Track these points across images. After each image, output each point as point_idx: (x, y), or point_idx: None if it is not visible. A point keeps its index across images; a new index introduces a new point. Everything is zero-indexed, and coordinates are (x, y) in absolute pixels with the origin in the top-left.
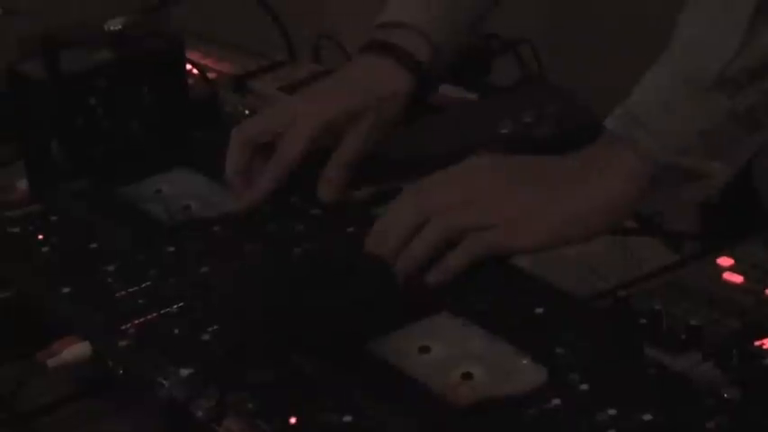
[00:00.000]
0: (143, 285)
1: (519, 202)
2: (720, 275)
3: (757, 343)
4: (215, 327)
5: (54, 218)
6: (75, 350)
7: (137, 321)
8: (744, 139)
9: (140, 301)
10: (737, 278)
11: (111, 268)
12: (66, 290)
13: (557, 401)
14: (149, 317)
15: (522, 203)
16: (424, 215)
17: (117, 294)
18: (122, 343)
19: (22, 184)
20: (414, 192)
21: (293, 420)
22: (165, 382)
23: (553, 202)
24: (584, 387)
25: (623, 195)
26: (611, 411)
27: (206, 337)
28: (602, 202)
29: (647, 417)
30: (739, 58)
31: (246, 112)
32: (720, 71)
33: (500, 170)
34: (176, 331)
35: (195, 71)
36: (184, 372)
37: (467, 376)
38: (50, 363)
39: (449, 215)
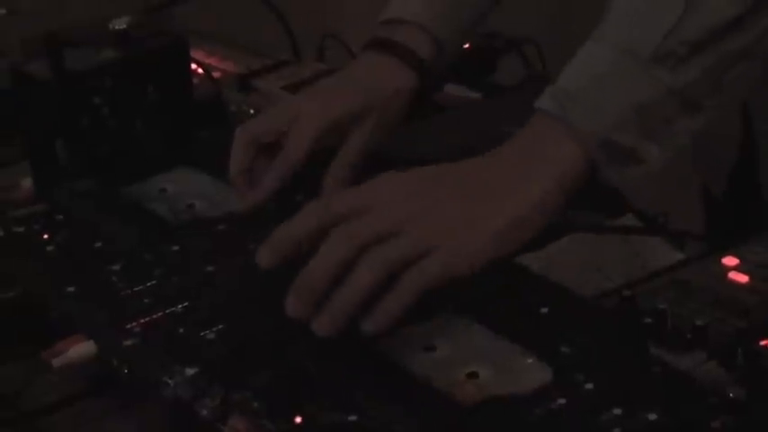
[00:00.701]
0: (148, 284)
1: (454, 219)
2: (725, 275)
3: (762, 342)
4: (220, 326)
5: (59, 217)
6: (80, 349)
7: (141, 320)
8: (682, 120)
9: (145, 301)
10: (743, 278)
11: (115, 267)
12: (70, 289)
13: (562, 401)
14: (154, 316)
15: (458, 219)
16: (353, 251)
17: (122, 293)
18: (127, 342)
19: (27, 184)
20: (339, 229)
21: (298, 420)
22: (169, 381)
23: (490, 211)
24: (590, 386)
25: (560, 183)
26: (617, 411)
27: (211, 336)
28: (540, 197)
29: (653, 416)
30: (679, 29)
31: (251, 111)
32: (659, 43)
33: (422, 186)
34: (181, 330)
35: (200, 70)
36: (189, 371)
37: (472, 375)
38: (55, 362)
39: (382, 249)
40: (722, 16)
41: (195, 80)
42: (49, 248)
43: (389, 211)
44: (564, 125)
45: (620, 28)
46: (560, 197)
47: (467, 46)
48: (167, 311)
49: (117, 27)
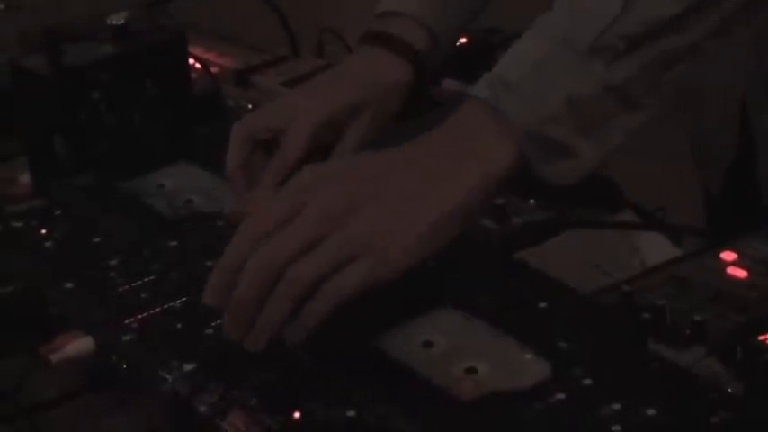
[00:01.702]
0: (146, 280)
1: (374, 224)
2: (724, 270)
3: (761, 337)
4: (218, 321)
5: (57, 212)
6: (79, 345)
7: (140, 316)
8: (617, 118)
9: (143, 296)
10: (741, 273)
11: (113, 263)
12: (69, 284)
13: (561, 396)
14: (152, 311)
15: (378, 224)
16: (275, 275)
17: (120, 289)
18: (125, 337)
19: (25, 179)
20: (258, 257)
21: (296, 415)
22: (168, 376)
23: (411, 214)
24: (588, 381)
25: (487, 179)
26: (616, 406)
27: (209, 331)
28: (463, 197)
29: (651, 411)
30: (618, 23)
31: (249, 106)
32: (596, 36)
33: (344, 189)
34: (179, 326)
35: (198, 66)
36: (188, 366)
37: (470, 371)
38: (54, 357)
39: (298, 269)
40: (661, 13)
41: (193, 75)
42: (48, 244)
43: (309, 222)
44: (496, 114)
45: (559, 20)
46: (487, 192)
47: (465, 41)
48: (165, 307)
49: (115, 22)
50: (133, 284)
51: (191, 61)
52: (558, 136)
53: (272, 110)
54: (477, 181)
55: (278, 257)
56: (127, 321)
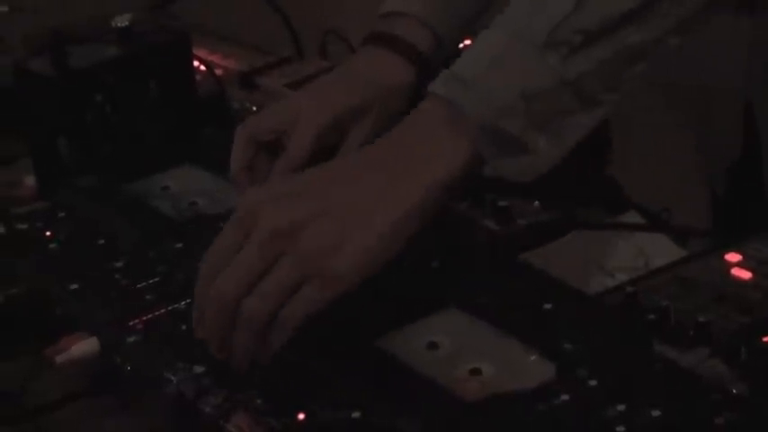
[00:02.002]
0: (151, 281)
1: (326, 239)
2: (729, 271)
3: (765, 339)
4: None
5: (61, 214)
6: (83, 346)
7: (144, 317)
8: (575, 114)
9: (148, 297)
10: (746, 274)
11: (118, 264)
12: (73, 286)
13: (565, 397)
14: (157, 313)
15: (330, 238)
16: (230, 308)
17: (124, 290)
18: (130, 339)
19: (30, 181)
20: (214, 290)
21: (301, 416)
22: (172, 378)
23: (361, 225)
24: (593, 383)
25: (440, 180)
26: (620, 407)
27: None
28: (417, 195)
29: (656, 412)
30: (575, 17)
31: (254, 108)
32: (552, 30)
33: (298, 202)
34: (184, 327)
35: (202, 67)
36: (192, 368)
37: (475, 372)
38: (58, 359)
39: (252, 303)
40: (618, 7)
41: (198, 77)
42: (52, 245)
43: (255, 249)
44: (452, 110)
45: (516, 15)
46: (443, 190)
47: (468, 42)
48: (170, 308)
49: (119, 24)
50: (138, 286)
51: (195, 63)
52: (513, 130)
53: (276, 111)
54: (430, 180)
55: (228, 293)
56: (131, 323)
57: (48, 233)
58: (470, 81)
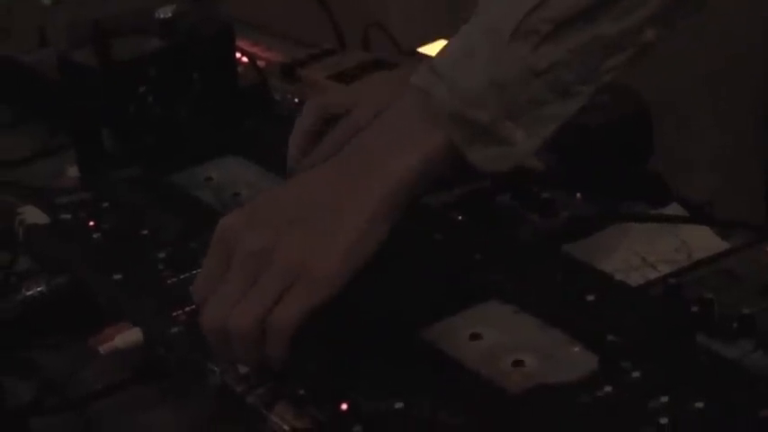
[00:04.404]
0: (194, 272)
1: (300, 249)
2: None
3: None
4: None
5: (105, 204)
6: (127, 337)
7: (188, 308)
8: (549, 105)
9: (191, 288)
10: None
11: (162, 255)
12: (117, 276)
13: (608, 389)
14: None
15: (303, 248)
16: (221, 330)
17: (168, 281)
18: (174, 329)
19: (73, 172)
20: (202, 320)
21: (344, 407)
22: (216, 368)
23: (332, 228)
24: (636, 374)
25: (415, 163)
26: (663, 399)
27: None
28: (389, 187)
29: (699, 404)
30: (542, 7)
31: (296, 100)
32: (521, 19)
33: (260, 224)
34: None
35: (244, 59)
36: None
37: (518, 363)
38: (102, 349)
39: (236, 319)
40: None
41: (240, 69)
42: (96, 236)
43: (238, 273)
44: (426, 101)
45: (490, 7)
46: (419, 178)
47: None
48: None
49: (162, 16)
50: (181, 277)
51: (237, 54)
52: (482, 119)
53: (350, 89)
54: (402, 167)
55: (216, 317)
56: (175, 314)
57: (91, 223)
58: (441, 71)
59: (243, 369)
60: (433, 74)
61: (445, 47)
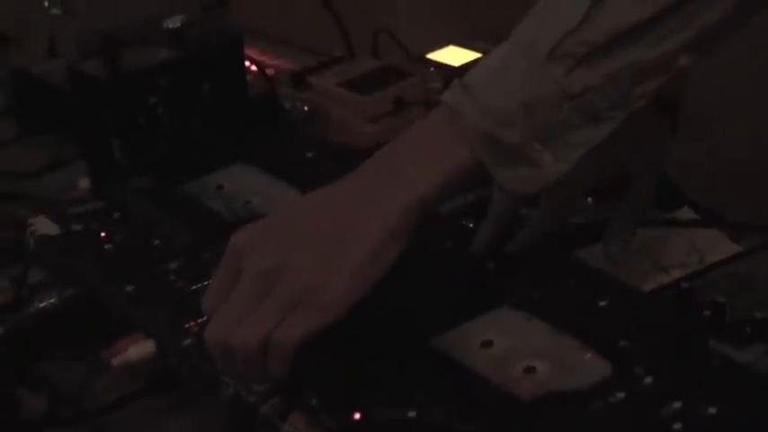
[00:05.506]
0: (206, 283)
1: (306, 271)
2: None
3: None
4: None
5: (116, 215)
6: (139, 348)
7: (200, 320)
8: (579, 129)
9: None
10: None
11: (173, 265)
12: (129, 288)
13: (621, 395)
14: None
15: (310, 271)
16: (226, 347)
17: (180, 292)
18: (186, 341)
19: (84, 183)
20: (206, 336)
21: (357, 416)
22: (228, 380)
23: (340, 251)
24: (649, 380)
25: (435, 178)
26: (676, 405)
27: None
28: (409, 200)
29: (713, 410)
30: (579, 30)
31: (305, 108)
32: (557, 41)
33: (268, 244)
34: None
35: (254, 68)
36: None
37: (530, 370)
38: (114, 361)
39: (241, 336)
40: (624, 20)
41: (249, 77)
42: (107, 246)
43: (245, 292)
44: (455, 118)
45: (527, 27)
46: (439, 195)
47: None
48: None
49: (171, 26)
50: (193, 287)
51: (246, 63)
52: (512, 140)
53: None
54: (426, 185)
55: (221, 332)
56: (188, 325)
57: (103, 234)
58: (473, 89)
59: (259, 387)
60: (465, 92)
61: (479, 63)
